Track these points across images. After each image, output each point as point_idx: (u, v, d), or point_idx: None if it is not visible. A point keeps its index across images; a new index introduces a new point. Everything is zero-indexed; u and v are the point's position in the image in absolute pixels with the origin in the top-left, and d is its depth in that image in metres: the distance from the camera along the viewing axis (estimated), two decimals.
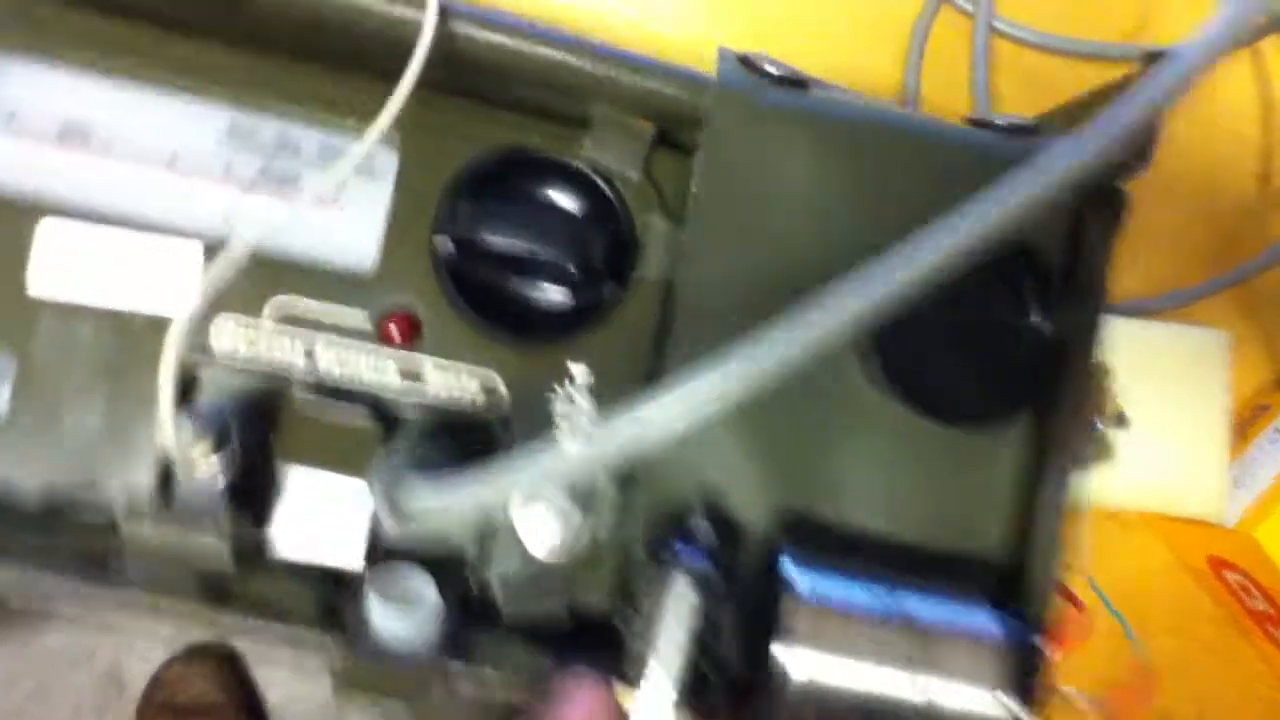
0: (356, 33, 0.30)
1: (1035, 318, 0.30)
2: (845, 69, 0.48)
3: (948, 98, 0.48)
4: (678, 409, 0.21)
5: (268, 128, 0.33)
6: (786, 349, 0.21)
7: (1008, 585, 0.30)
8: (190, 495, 0.29)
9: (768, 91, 0.31)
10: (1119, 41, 0.49)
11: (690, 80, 0.31)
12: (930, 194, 0.31)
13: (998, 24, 0.48)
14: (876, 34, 0.49)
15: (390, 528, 0.26)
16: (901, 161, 0.31)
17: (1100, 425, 0.33)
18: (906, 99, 0.48)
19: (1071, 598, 0.32)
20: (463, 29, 0.30)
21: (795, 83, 0.31)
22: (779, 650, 0.26)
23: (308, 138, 0.33)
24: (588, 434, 0.22)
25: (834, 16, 0.48)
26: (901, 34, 0.49)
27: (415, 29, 0.30)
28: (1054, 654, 0.27)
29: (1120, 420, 0.34)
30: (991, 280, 0.30)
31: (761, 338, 0.21)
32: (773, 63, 0.32)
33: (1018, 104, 0.47)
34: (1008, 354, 0.30)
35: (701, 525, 0.29)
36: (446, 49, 0.30)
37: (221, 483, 0.29)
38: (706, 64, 0.48)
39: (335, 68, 0.32)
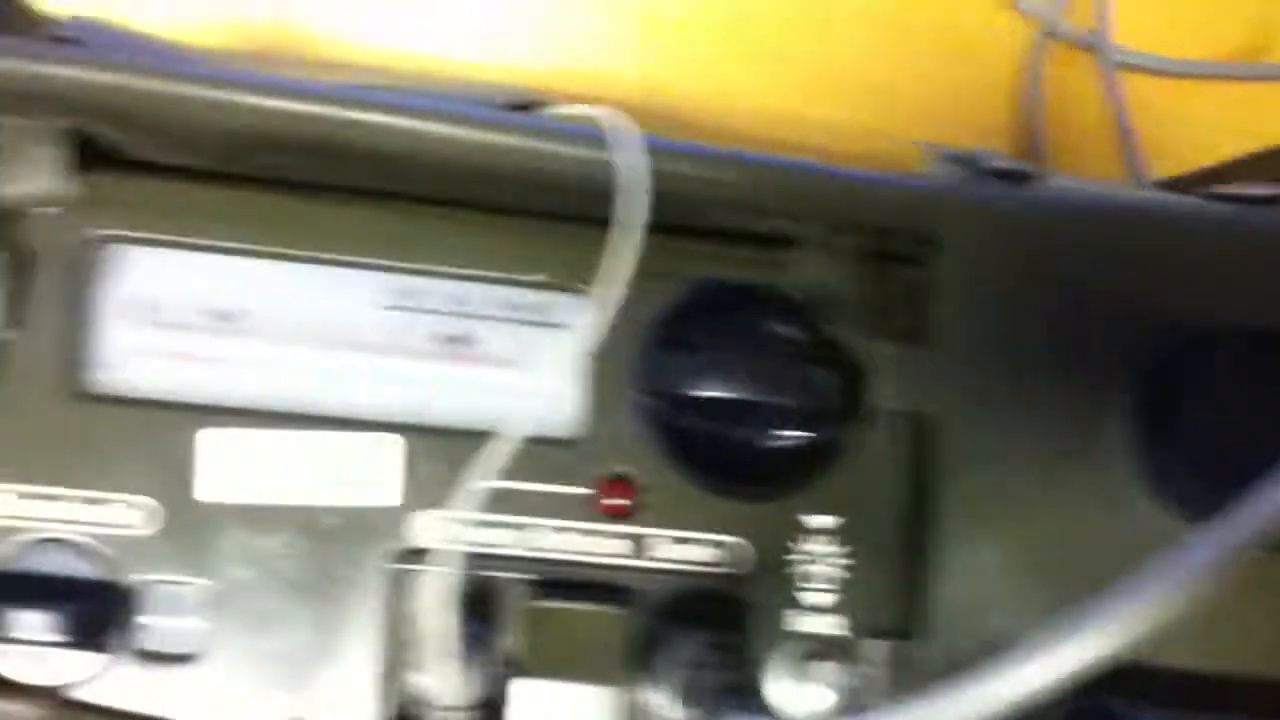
0: (534, 180, 0.27)
1: None
2: (954, 124, 0.46)
3: (1076, 139, 0.45)
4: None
5: (434, 289, 0.29)
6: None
7: None
8: None
9: (994, 190, 0.28)
10: (1247, 61, 0.46)
11: (903, 187, 0.29)
12: (1189, 283, 0.28)
13: (1116, 54, 0.46)
14: (980, 82, 0.46)
15: None
16: (1152, 251, 0.28)
17: None
18: (1034, 150, 0.45)
19: None
20: (658, 164, 0.27)
21: (1019, 176, 0.29)
22: None
23: (479, 294, 0.30)
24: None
25: (929, 70, 0.45)
26: (1006, 77, 0.46)
27: (599, 167, 0.27)
28: None
29: None
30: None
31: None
32: (991, 156, 0.29)
33: (1154, 141, 0.45)
34: None
35: None
36: None
37: (471, 706, 0.26)
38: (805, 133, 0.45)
39: (503, 215, 0.29)
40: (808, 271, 0.29)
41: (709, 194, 0.27)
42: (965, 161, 0.29)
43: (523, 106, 0.29)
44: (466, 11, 0.41)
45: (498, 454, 0.27)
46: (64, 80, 0.25)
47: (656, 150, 0.27)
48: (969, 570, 0.27)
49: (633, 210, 0.26)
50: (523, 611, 0.27)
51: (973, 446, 0.27)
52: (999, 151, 0.34)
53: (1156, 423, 0.27)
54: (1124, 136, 0.42)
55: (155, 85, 0.25)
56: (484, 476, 0.27)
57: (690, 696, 0.25)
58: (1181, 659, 0.27)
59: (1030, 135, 0.45)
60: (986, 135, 0.46)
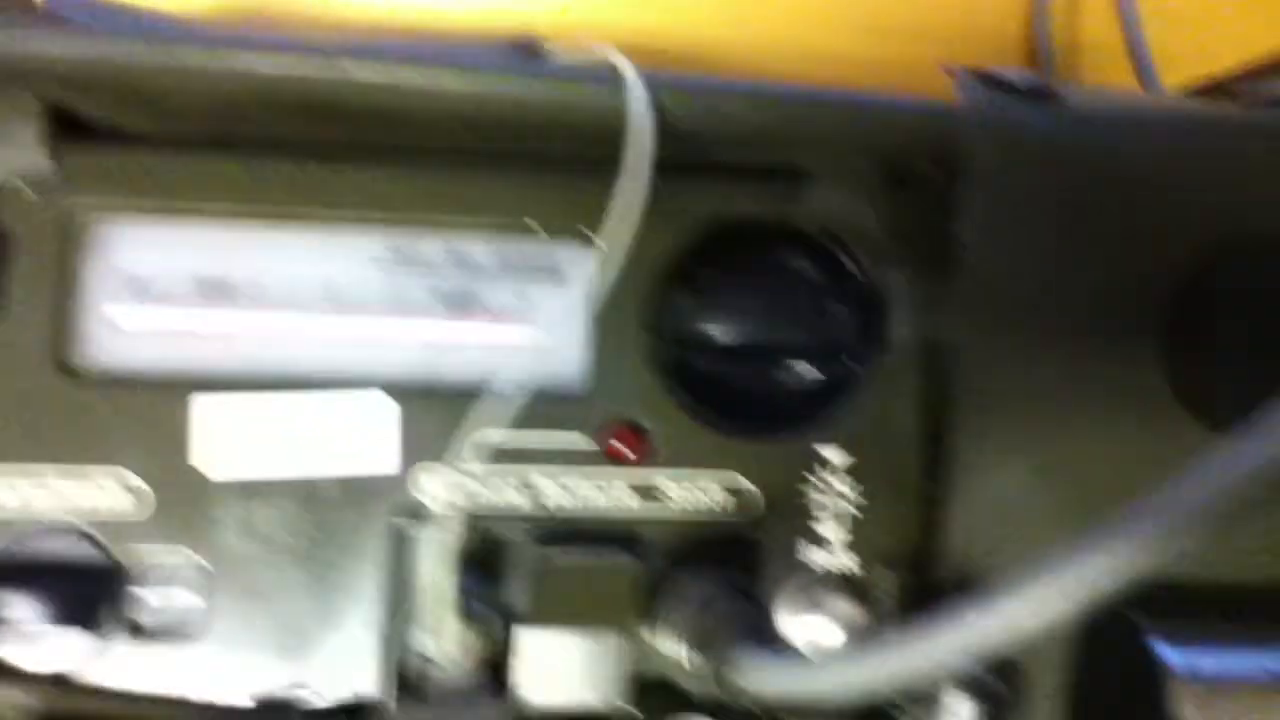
0: (542, 125, 0.26)
1: None
2: (961, 30, 0.44)
3: (1090, 56, 0.44)
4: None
5: (432, 245, 0.28)
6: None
7: None
8: (442, 685, 0.25)
9: (1019, 111, 0.27)
10: None
11: (920, 109, 0.27)
12: (1221, 192, 0.27)
13: None
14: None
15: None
16: (1181, 162, 0.27)
17: None
18: (1040, 61, 0.43)
19: None
20: (665, 100, 0.25)
21: (1042, 94, 0.27)
22: None
23: (480, 249, 0.28)
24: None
25: None
26: None
27: (607, 108, 0.25)
28: None
29: None
30: None
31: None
32: (1014, 74, 0.27)
33: (1170, 48, 0.43)
34: None
35: None
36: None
37: (475, 663, 0.25)
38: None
39: (500, 167, 0.27)
40: (822, 204, 0.28)
41: (718, 129, 0.26)
42: (984, 81, 0.27)
43: (522, 52, 0.27)
44: None
45: (498, 407, 0.26)
46: (39, 55, 0.23)
47: (663, 86, 0.25)
48: (988, 500, 0.26)
49: (641, 150, 0.24)
50: (532, 568, 0.26)
51: (995, 373, 0.26)
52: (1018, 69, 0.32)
53: (1190, 336, 0.26)
54: (1134, 48, 0.41)
55: (141, 55, 0.23)
56: (484, 429, 0.26)
57: (700, 633, 0.24)
58: (1217, 574, 0.26)
59: (1038, 49, 0.43)
60: (1000, 50, 0.44)
